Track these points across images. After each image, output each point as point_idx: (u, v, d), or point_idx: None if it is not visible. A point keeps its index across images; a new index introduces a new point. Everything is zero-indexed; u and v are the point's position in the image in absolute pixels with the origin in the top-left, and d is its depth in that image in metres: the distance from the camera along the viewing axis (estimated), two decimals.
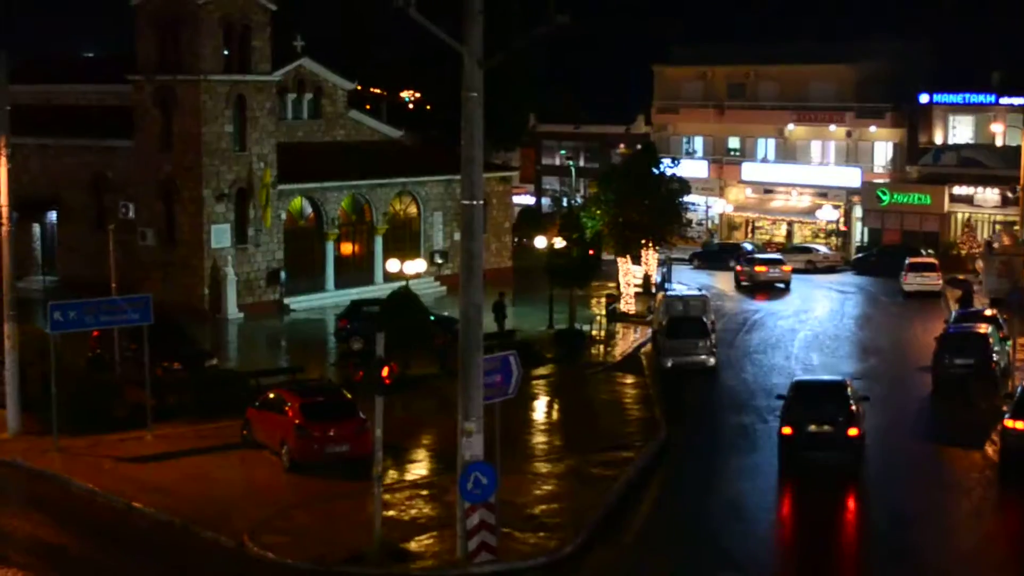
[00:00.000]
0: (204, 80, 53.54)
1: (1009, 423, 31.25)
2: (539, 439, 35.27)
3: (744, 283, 65.25)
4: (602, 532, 26.72)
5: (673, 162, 61.66)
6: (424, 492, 29.51)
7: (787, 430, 31.39)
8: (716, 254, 75.63)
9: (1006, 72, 70.19)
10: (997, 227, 69.95)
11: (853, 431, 31.14)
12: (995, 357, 40.29)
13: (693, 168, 79.42)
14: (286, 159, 56.62)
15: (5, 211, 34.34)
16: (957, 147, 73.92)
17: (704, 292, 52.50)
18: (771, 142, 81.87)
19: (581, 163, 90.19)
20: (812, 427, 31.19)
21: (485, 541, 24.35)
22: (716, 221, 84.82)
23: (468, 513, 24.21)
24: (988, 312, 46.75)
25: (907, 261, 63.62)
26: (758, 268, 65.58)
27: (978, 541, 26.95)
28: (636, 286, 58.43)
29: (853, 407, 31.65)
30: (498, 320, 47.99)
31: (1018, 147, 66.04)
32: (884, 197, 74.58)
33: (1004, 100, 70.75)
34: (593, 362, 46.67)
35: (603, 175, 63.67)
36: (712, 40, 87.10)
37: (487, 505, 24.29)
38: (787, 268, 65.91)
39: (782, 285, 64.75)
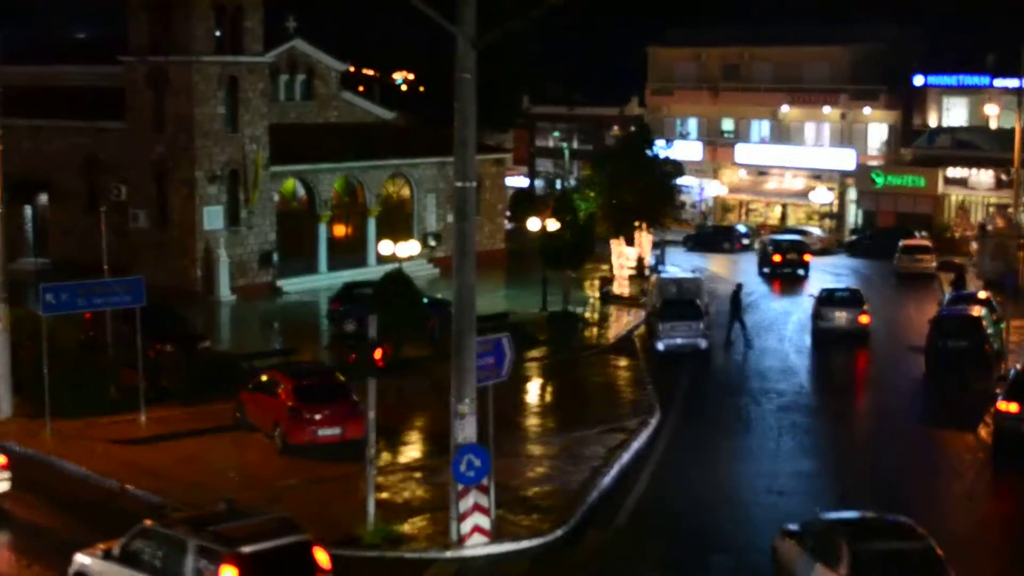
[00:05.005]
0: (196, 61, 53.32)
1: (1002, 405, 31.32)
2: (532, 421, 35.28)
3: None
4: (595, 514, 26.74)
5: (667, 143, 61.78)
6: (417, 474, 29.49)
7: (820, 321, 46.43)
8: (710, 236, 75.63)
9: (1001, 53, 70.07)
10: (991, 209, 70.02)
11: (864, 319, 46.16)
12: (989, 339, 40.33)
13: (687, 150, 79.42)
14: (279, 140, 56.45)
15: None
16: (951, 129, 73.94)
17: (698, 274, 52.46)
18: (765, 124, 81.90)
19: (575, 145, 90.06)
20: (835, 315, 46.17)
21: (478, 524, 24.36)
22: (710, 203, 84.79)
23: (461, 495, 24.20)
24: (982, 294, 46.80)
25: (901, 243, 63.71)
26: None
27: (971, 524, 26.95)
28: (630, 268, 58.38)
29: (865, 305, 46.60)
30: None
31: (1012, 129, 65.95)
32: (878, 179, 74.58)
33: (998, 82, 70.70)
34: (586, 344, 46.62)
35: (597, 157, 63.64)
36: (707, 21, 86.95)
37: (480, 487, 24.28)
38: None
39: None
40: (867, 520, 21.33)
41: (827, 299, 47.08)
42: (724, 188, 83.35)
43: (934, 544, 20.33)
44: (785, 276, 62.16)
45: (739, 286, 47.73)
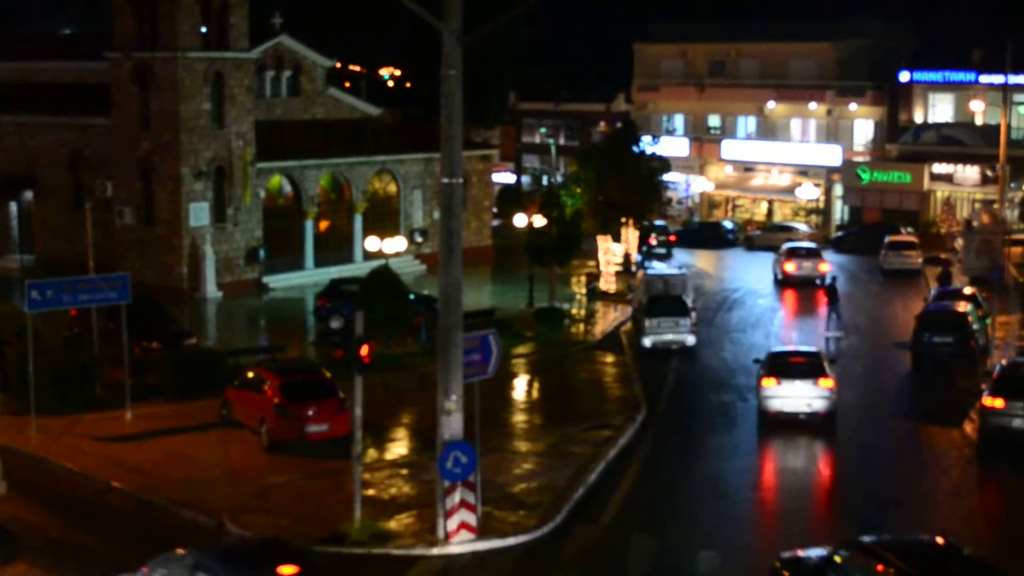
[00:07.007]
0: (182, 57, 53.16)
1: (988, 401, 31.34)
2: (519, 418, 35.25)
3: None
4: (582, 511, 26.70)
5: (653, 139, 61.83)
6: (404, 471, 29.43)
7: (789, 267, 57.87)
8: (696, 233, 75.63)
9: (986, 50, 70.16)
10: (977, 205, 70.07)
11: (823, 267, 57.22)
12: (974, 335, 40.41)
13: (673, 146, 79.29)
14: (265, 137, 56.32)
15: None
16: (937, 125, 73.98)
17: (684, 270, 52.48)
18: (751, 120, 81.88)
19: (561, 141, 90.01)
20: (801, 264, 57.77)
21: (465, 520, 24.32)
22: (696, 199, 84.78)
23: (448, 492, 24.16)
24: (967, 290, 46.82)
25: (886, 239, 63.74)
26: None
27: (957, 520, 26.93)
28: (616, 264, 58.39)
29: (823, 256, 58.99)
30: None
31: (998, 125, 66.11)
32: (864, 175, 74.66)
33: (984, 78, 70.76)
34: (573, 341, 46.59)
35: (583, 153, 63.63)
36: (692, 18, 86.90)
37: (467, 484, 24.24)
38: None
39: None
40: (791, 350, 36.58)
41: (792, 253, 58.58)
42: (710, 184, 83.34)
43: (824, 361, 33.92)
44: (657, 256, 67.30)
45: (834, 278, 49.34)
